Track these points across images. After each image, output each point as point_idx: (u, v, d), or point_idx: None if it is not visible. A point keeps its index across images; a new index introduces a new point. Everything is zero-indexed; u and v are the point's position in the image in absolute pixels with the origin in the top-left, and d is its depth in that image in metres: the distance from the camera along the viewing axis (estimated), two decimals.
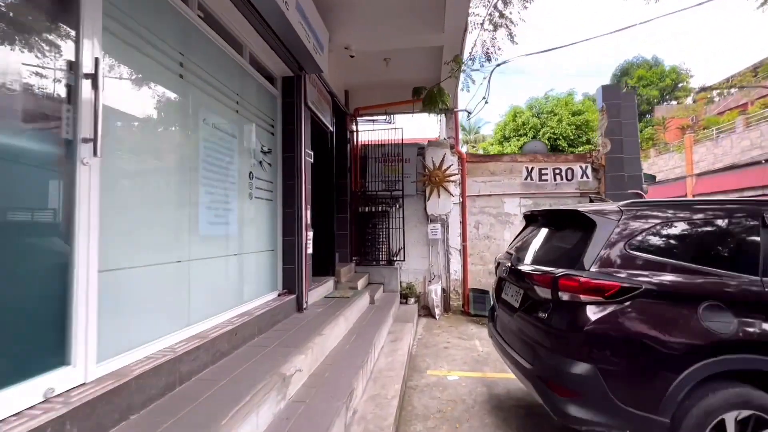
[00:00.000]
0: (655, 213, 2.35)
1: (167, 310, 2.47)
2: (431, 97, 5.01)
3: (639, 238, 2.26)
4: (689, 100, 28.89)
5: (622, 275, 2.18)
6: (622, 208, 2.40)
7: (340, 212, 6.93)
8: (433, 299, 6.70)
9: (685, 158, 19.47)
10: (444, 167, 6.93)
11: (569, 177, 6.88)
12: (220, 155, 3.13)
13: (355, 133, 7.25)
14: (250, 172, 3.66)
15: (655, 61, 30.31)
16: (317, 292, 5.01)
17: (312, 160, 4.82)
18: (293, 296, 4.19)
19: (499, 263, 3.40)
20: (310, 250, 4.65)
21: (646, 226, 2.29)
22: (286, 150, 4.33)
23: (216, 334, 2.66)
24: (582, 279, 2.20)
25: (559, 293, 2.29)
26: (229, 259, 3.27)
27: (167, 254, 2.49)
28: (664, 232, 2.28)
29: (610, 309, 2.15)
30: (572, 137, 14.10)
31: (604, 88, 6.79)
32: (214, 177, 3.01)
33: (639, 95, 26.73)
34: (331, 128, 5.99)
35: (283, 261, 4.26)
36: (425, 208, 7.08)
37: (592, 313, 2.16)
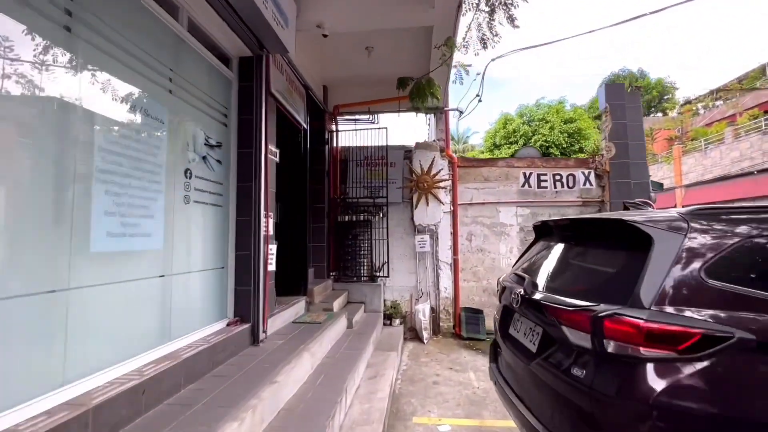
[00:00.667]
0: (742, 224, 1.64)
1: (23, 366, 1.64)
2: (419, 89, 4.33)
3: (721, 261, 1.54)
4: (673, 113, 29.21)
5: (702, 317, 1.46)
6: (687, 217, 1.69)
7: (317, 221, 6.15)
8: (420, 320, 5.92)
9: (673, 169, 19.32)
10: (433, 172, 6.23)
11: (570, 184, 6.25)
12: (136, 144, 2.33)
13: (334, 134, 6.51)
14: (188, 170, 2.87)
15: (641, 73, 30.63)
16: (283, 317, 4.19)
17: (277, 159, 4.04)
18: (247, 326, 3.37)
19: (504, 287, 2.66)
20: (272, 267, 3.85)
21: (731, 243, 1.57)
22: (242, 145, 3.55)
23: (104, 398, 1.83)
24: (642, 323, 1.46)
25: (605, 341, 1.55)
26: (150, 283, 2.45)
27: (26, 282, 1.67)
28: (761, 252, 1.56)
29: (687, 369, 1.41)
30: (565, 145, 13.65)
31: (608, 87, 6.23)
32: (123, 173, 2.21)
33: None
34: (304, 125, 5.24)
35: (236, 281, 3.44)
36: (412, 218, 6.35)
37: (660, 375, 1.43)
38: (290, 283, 5.01)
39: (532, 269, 2.50)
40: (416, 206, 6.26)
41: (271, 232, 3.87)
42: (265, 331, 3.59)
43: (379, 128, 6.24)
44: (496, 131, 15.92)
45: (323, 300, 5.36)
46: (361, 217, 6.26)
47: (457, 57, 4.54)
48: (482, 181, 6.51)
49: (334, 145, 6.52)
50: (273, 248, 3.88)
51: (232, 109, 3.54)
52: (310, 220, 6.14)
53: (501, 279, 2.92)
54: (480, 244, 6.45)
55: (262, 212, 3.55)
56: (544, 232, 2.74)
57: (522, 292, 2.21)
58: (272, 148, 3.89)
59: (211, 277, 3.21)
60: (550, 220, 2.60)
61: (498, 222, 6.44)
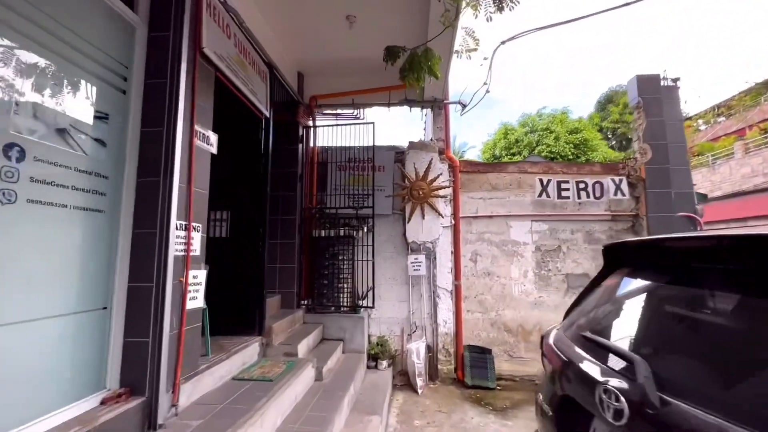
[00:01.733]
0: None
1: None
2: (413, 62, 3.24)
3: None
4: None
5: None
6: None
7: (286, 237, 4.95)
8: (414, 363, 4.67)
9: None
10: (430, 177, 5.09)
11: (597, 194, 5.14)
12: None
13: (311, 130, 5.38)
14: (21, 149, 1.68)
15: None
16: (218, 372, 2.94)
17: (212, 149, 2.88)
18: (139, 400, 2.13)
19: (565, 362, 1.48)
20: (198, 302, 2.64)
21: None
22: (148, 121, 2.38)
23: None
24: None
25: None
26: None
27: None
28: None
29: None
30: (571, 156, 12.67)
31: (640, 79, 5.20)
32: None
33: (625, 122, 26.35)
34: (266, 114, 4.10)
35: (126, 330, 2.22)
36: (404, 233, 5.17)
37: None
38: (240, 317, 3.77)
39: (617, 332, 1.32)
40: (409, 219, 5.09)
41: (198, 251, 2.67)
42: (174, 405, 2.34)
43: (365, 123, 5.12)
44: (495, 142, 14.98)
45: (287, 339, 4.10)
46: (342, 232, 5.07)
47: (464, 23, 3.46)
48: (489, 189, 5.38)
49: (311, 144, 5.38)
50: (201, 275, 2.67)
51: (136, 69, 2.38)
52: (278, 235, 4.94)
53: (551, 339, 1.74)
54: (487, 266, 5.27)
55: (174, 222, 2.35)
56: (627, 259, 1.58)
57: (634, 399, 1.02)
58: (204, 131, 2.73)
59: (78, 325, 1.99)
60: (649, 240, 1.44)
61: (509, 239, 5.28)
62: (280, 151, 5.08)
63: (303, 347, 3.97)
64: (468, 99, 5.23)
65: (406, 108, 5.58)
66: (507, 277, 5.24)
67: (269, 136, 4.06)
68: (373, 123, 5.04)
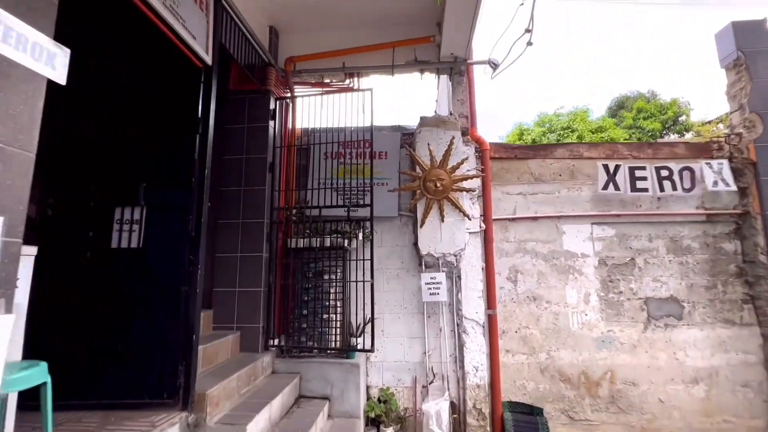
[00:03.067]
0: None
1: None
2: None
3: None
4: (688, 135, 27.30)
5: None
6: None
7: (249, 248, 3.51)
8: None
9: None
10: (451, 164, 3.66)
11: (687, 184, 3.67)
12: None
13: (288, 104, 4.00)
14: None
15: (651, 94, 29.07)
16: None
17: (50, 72, 1.45)
18: None
19: None
20: None
21: None
22: None
23: None
24: None
25: None
26: None
27: None
28: None
29: None
30: None
31: (738, 26, 3.79)
32: None
33: (640, 128, 25.08)
34: (206, 59, 2.67)
35: None
36: (416, 242, 3.72)
37: None
38: (148, 377, 2.29)
39: None
40: (423, 222, 3.63)
41: None
42: None
43: (361, 91, 3.71)
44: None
45: (237, 409, 2.61)
46: (329, 242, 3.62)
47: None
48: (531, 181, 3.93)
49: (288, 122, 3.99)
50: None
51: None
52: (236, 245, 3.52)
53: None
54: (532, 287, 3.77)
55: None
56: None
57: None
58: (12, 24, 1.32)
59: None
60: None
61: (561, 250, 3.80)
62: (243, 131, 3.70)
63: (259, 425, 2.47)
64: (499, 58, 3.82)
65: (412, 80, 4.19)
66: (560, 303, 3.73)
67: (211, 96, 2.64)
68: (371, 90, 3.63)
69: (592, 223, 3.81)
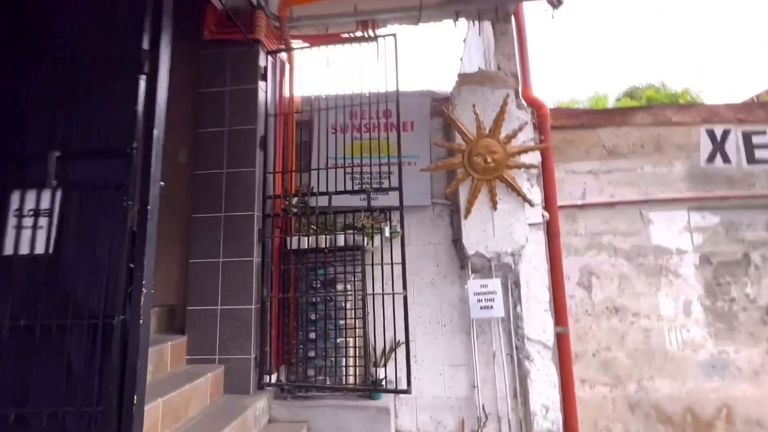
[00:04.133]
0: None
1: None
2: None
3: None
4: None
5: None
6: None
7: (233, 251, 2.58)
8: None
9: None
10: (505, 132, 2.72)
11: None
12: None
13: (284, 61, 3.08)
14: None
15: (662, 84, 28.16)
16: None
17: None
18: None
19: None
20: None
21: None
22: None
23: None
24: None
25: None
26: None
27: None
28: None
29: None
30: None
31: None
32: None
33: None
34: None
35: None
36: (458, 238, 2.80)
37: None
38: None
39: None
40: (468, 211, 2.70)
41: None
42: None
43: (379, 38, 2.77)
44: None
45: None
46: (342, 240, 2.69)
47: None
48: (603, 156, 3.01)
49: (285, 85, 3.07)
50: None
51: None
52: (217, 247, 2.59)
53: None
54: (612, 295, 2.85)
55: None
56: None
57: None
58: None
59: None
60: None
61: (648, 245, 2.88)
62: (223, 96, 2.78)
63: None
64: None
65: (441, 31, 3.27)
66: (652, 316, 2.81)
67: (163, 11, 1.70)
68: (393, 35, 2.70)
69: (690, 209, 2.88)
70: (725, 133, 2.75)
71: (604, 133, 3.03)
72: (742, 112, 2.94)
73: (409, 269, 2.74)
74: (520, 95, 2.93)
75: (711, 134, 2.76)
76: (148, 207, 1.55)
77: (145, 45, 1.63)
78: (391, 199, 2.65)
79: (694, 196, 2.87)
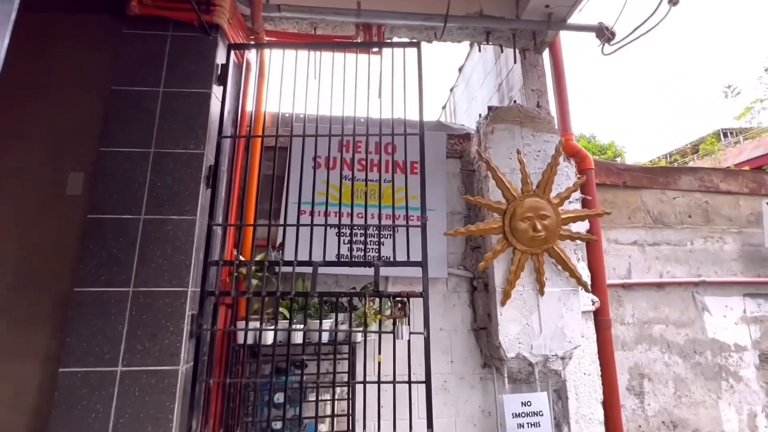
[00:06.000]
0: None
1: None
2: None
3: None
4: None
5: None
6: None
7: (145, 352, 1.52)
8: None
9: None
10: (556, 191, 2.05)
11: None
12: None
13: (252, 61, 2.17)
14: None
15: (591, 136, 31.29)
16: None
17: None
18: None
19: None
20: None
21: None
22: None
23: None
24: None
25: None
26: None
27: None
28: None
29: None
30: None
31: None
32: None
33: None
34: None
35: None
36: (480, 326, 2.04)
37: None
38: None
39: None
40: (506, 295, 1.93)
41: None
42: None
43: (397, 47, 2.00)
44: None
45: None
46: (328, 335, 1.77)
47: None
48: (648, 223, 2.48)
49: (250, 94, 2.15)
50: None
51: None
52: (126, 347, 1.51)
53: None
54: (667, 405, 2.23)
55: None
56: None
57: None
58: None
59: None
60: None
61: (704, 338, 2.34)
62: (153, 98, 1.78)
63: None
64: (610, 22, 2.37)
65: (459, 53, 2.63)
66: (713, 428, 2.22)
67: None
68: (417, 44, 1.95)
69: (744, 295, 2.42)
70: None
71: (648, 196, 2.52)
72: None
73: (412, 360, 1.88)
74: (563, 138, 2.32)
75: None
76: None
77: None
78: (392, 271, 1.82)
79: (748, 280, 2.42)
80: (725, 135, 19.23)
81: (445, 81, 4.57)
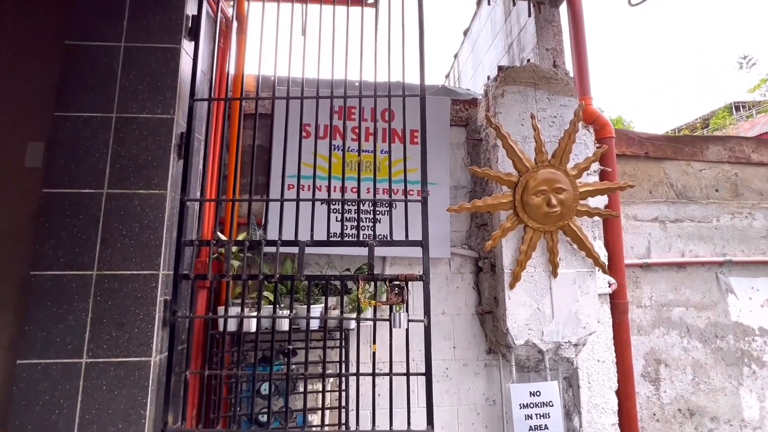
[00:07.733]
0: None
1: None
2: None
3: None
4: None
5: None
6: None
7: (108, 344, 1.36)
8: None
9: None
10: (574, 161, 1.83)
11: None
12: None
13: (233, 20, 1.91)
14: None
15: (599, 110, 30.57)
16: None
17: None
18: None
19: None
20: None
21: None
22: None
23: None
24: None
25: None
26: None
27: None
28: None
29: None
30: None
31: None
32: None
33: None
34: None
35: None
36: (486, 310, 1.86)
37: None
38: None
39: None
40: (516, 277, 1.74)
41: None
42: None
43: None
44: None
45: None
46: (320, 317, 1.60)
47: None
48: (671, 197, 2.27)
49: (228, 53, 1.90)
50: None
51: None
52: (90, 338, 1.33)
53: None
54: (684, 392, 2.09)
55: None
56: None
57: None
58: None
59: None
60: None
61: (726, 322, 2.18)
62: (114, 55, 1.54)
63: None
64: None
65: (464, 11, 2.34)
66: (734, 421, 2.09)
67: None
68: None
69: None
70: None
71: (671, 168, 2.29)
72: None
73: (411, 347, 1.73)
74: (582, 102, 2.07)
75: None
76: None
77: None
78: (389, 251, 1.64)
79: None
80: (737, 109, 18.53)
81: (448, 47, 4.25)
